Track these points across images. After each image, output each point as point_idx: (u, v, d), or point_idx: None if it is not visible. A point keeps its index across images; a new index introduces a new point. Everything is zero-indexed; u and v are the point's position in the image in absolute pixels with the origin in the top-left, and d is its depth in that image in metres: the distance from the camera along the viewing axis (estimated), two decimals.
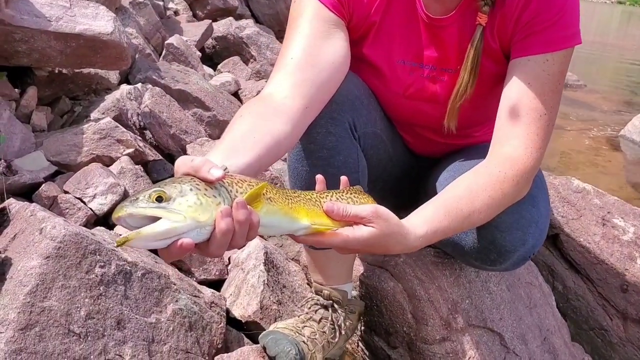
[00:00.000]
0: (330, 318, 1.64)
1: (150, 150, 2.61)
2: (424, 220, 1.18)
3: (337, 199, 1.12)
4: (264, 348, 1.55)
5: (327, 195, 1.11)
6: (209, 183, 0.92)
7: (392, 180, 1.76)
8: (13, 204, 1.70)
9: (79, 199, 2.03)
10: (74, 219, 1.97)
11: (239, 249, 1.98)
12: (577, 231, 2.09)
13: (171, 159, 2.83)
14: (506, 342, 1.74)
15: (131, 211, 0.86)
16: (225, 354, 1.56)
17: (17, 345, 1.18)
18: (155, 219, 0.86)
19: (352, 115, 1.49)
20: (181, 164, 0.96)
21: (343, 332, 1.64)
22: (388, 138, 1.66)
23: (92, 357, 1.29)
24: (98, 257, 1.42)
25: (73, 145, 2.32)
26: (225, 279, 2.08)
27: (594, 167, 4.48)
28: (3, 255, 1.44)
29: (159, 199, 0.87)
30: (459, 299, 1.72)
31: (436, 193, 1.65)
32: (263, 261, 1.93)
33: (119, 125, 2.46)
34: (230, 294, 1.93)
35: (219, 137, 3.07)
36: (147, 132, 2.83)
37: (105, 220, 2.09)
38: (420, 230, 1.16)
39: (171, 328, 1.48)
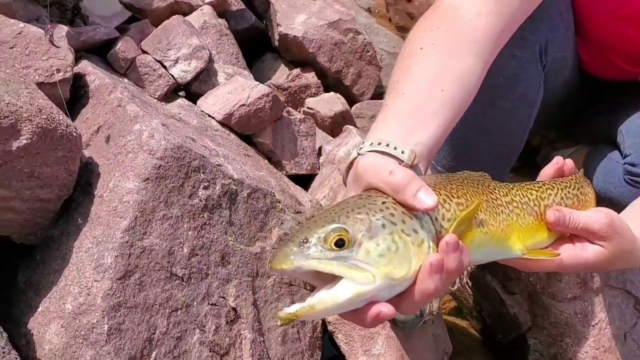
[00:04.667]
0: None
1: None
2: None
3: (562, 198, 0.82)
4: None
5: (550, 193, 0.80)
6: (409, 210, 0.62)
7: (555, 105, 1.42)
8: (90, 74, 1.40)
9: (159, 62, 1.72)
10: (153, 87, 1.67)
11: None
12: None
13: (250, 5, 2.44)
14: None
15: (299, 264, 0.58)
16: None
17: (116, 299, 0.97)
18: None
19: (547, 34, 1.12)
20: (371, 171, 0.65)
21: (463, 278, 1.42)
22: (572, 61, 1.29)
23: (195, 303, 1.09)
24: (202, 175, 1.16)
25: None
26: (317, 174, 1.84)
27: None
28: (87, 155, 1.18)
29: (339, 244, 0.58)
30: None
31: (611, 131, 1.33)
32: None
33: None
34: (324, 197, 1.69)
35: None
36: None
37: (184, 88, 1.79)
38: None
39: None
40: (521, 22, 0.99)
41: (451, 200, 0.65)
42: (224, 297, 1.15)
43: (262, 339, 1.20)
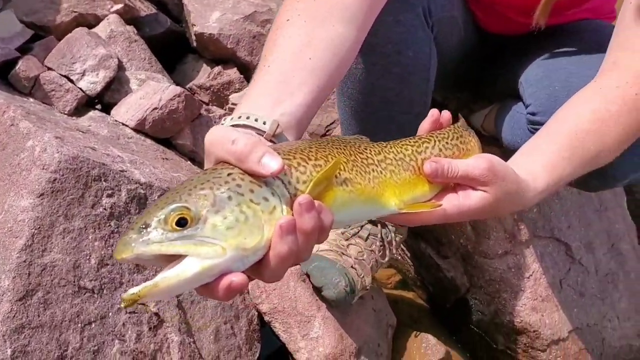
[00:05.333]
0: (379, 235, 1.40)
1: (141, 3, 2.18)
2: (544, 169, 0.87)
3: (441, 149, 0.81)
4: (308, 275, 1.34)
5: (427, 146, 0.80)
6: (258, 178, 0.60)
7: (456, 67, 1.42)
8: None
9: (65, 76, 1.67)
10: (62, 103, 1.63)
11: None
12: None
13: (164, 8, 2.40)
14: (572, 252, 1.54)
15: (140, 251, 0.55)
16: None
17: (18, 321, 0.94)
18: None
19: None
20: (216, 143, 0.63)
21: (393, 250, 1.42)
22: (462, 19, 1.29)
23: (110, 314, 1.06)
24: (104, 183, 1.13)
25: (49, 1, 1.90)
26: None
27: None
28: None
29: (181, 223, 0.56)
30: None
31: (514, 85, 1.34)
32: None
33: None
34: None
35: None
36: None
37: (96, 100, 1.75)
38: (541, 182, 0.86)
39: None
40: None
41: (307, 163, 0.63)
42: (143, 304, 1.12)
43: (191, 340, 1.18)
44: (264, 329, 1.38)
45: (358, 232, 1.40)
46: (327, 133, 2.09)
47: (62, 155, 1.08)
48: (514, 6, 1.29)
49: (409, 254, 1.68)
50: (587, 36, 1.31)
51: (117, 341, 1.05)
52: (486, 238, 1.46)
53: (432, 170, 0.76)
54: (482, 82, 1.55)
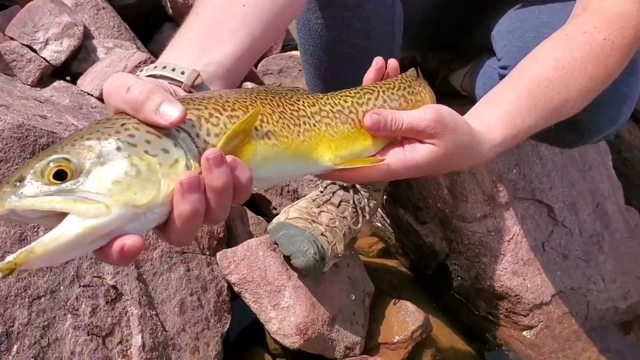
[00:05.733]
0: (351, 201, 1.35)
1: None
2: (501, 119, 0.81)
3: (385, 101, 0.75)
4: (276, 244, 1.29)
5: (369, 97, 0.74)
6: (159, 129, 0.54)
7: (429, 22, 1.35)
8: None
9: (27, 46, 1.61)
10: (24, 74, 1.57)
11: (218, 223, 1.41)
12: None
13: None
14: (555, 214, 1.49)
15: (12, 206, 0.49)
16: (230, 249, 1.30)
17: None
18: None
19: None
20: (113, 92, 0.56)
21: (367, 216, 1.37)
22: None
23: (62, 288, 1.02)
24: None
25: None
26: None
27: None
28: None
29: (60, 176, 0.50)
30: (505, 169, 1.43)
31: (486, 40, 1.27)
32: None
33: None
34: None
35: None
36: None
37: (65, 70, 1.69)
38: (497, 134, 0.80)
39: None
40: None
41: (221, 114, 0.57)
42: (99, 277, 1.08)
43: (153, 312, 1.14)
44: (236, 301, 1.34)
45: (330, 198, 1.35)
46: None
47: (6, 124, 1.03)
48: None
49: (388, 221, 1.63)
50: None
51: (69, 315, 1.01)
52: (464, 201, 1.41)
53: (372, 123, 0.70)
54: (461, 40, 1.48)
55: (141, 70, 0.66)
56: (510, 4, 1.24)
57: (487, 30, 1.28)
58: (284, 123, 0.62)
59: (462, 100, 1.57)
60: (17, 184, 0.50)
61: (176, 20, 2.21)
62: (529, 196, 1.46)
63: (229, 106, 0.59)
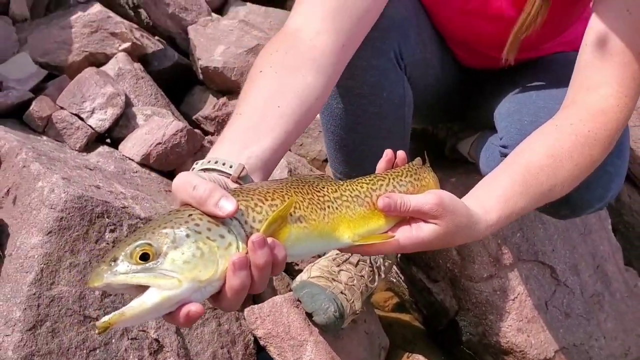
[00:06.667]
0: (368, 260, 1.48)
1: (149, 40, 2.29)
2: (497, 201, 0.95)
3: (395, 186, 0.89)
4: (299, 301, 1.42)
5: (382, 183, 0.88)
6: (217, 218, 0.70)
7: (438, 101, 1.51)
8: (0, 140, 1.47)
9: (76, 115, 1.79)
10: (73, 140, 1.74)
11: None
12: (638, 141, 1.86)
13: (173, 42, 2.52)
14: (557, 275, 1.60)
15: (109, 281, 0.65)
16: (256, 305, 1.44)
17: (28, 349, 1.04)
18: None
19: (399, 41, 1.20)
20: (180, 188, 0.72)
21: (382, 275, 1.50)
22: (438, 60, 1.38)
23: (113, 340, 1.16)
24: (107, 219, 1.23)
25: (62, 42, 2.02)
26: None
27: None
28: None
29: (144, 257, 0.65)
30: (509, 233, 1.56)
31: (489, 119, 1.42)
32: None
33: (110, 14, 2.13)
34: None
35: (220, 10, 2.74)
36: (142, 12, 2.49)
37: (108, 135, 1.86)
38: (493, 215, 0.94)
39: None
40: (364, 33, 1.07)
41: (263, 203, 0.73)
42: (144, 331, 1.21)
43: None
44: (261, 354, 1.46)
45: (349, 258, 1.49)
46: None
47: (68, 196, 1.18)
48: (484, 43, 1.37)
49: (402, 278, 1.76)
50: (559, 70, 1.37)
51: None
52: (471, 262, 1.53)
53: (384, 205, 0.84)
54: (467, 112, 1.63)
55: (196, 164, 0.81)
56: (511, 87, 1.38)
57: (489, 108, 1.43)
58: (312, 208, 0.77)
59: (469, 166, 1.71)
60: (112, 263, 0.65)
61: (206, 84, 2.38)
62: (532, 258, 1.58)
63: (270, 196, 0.74)
